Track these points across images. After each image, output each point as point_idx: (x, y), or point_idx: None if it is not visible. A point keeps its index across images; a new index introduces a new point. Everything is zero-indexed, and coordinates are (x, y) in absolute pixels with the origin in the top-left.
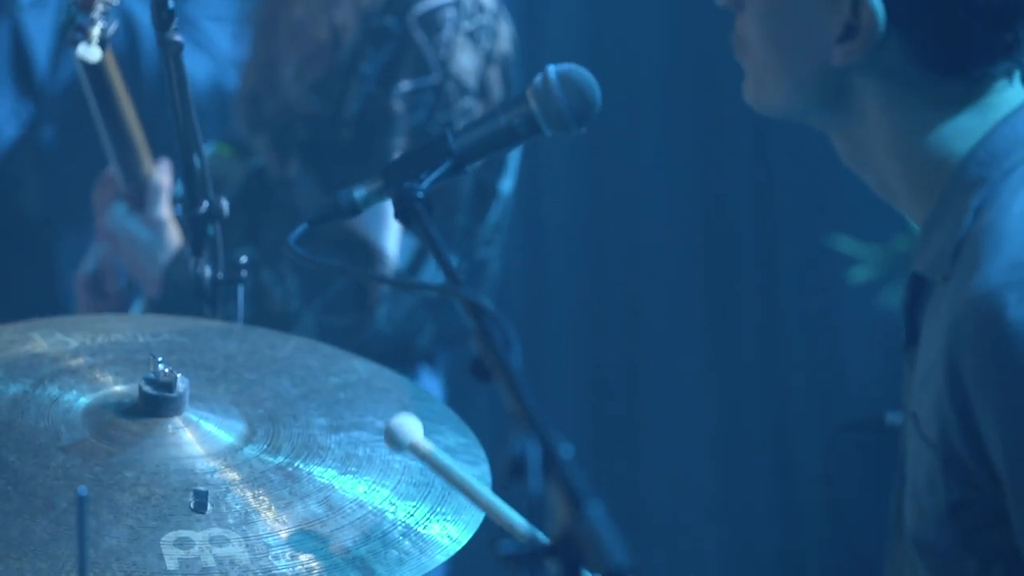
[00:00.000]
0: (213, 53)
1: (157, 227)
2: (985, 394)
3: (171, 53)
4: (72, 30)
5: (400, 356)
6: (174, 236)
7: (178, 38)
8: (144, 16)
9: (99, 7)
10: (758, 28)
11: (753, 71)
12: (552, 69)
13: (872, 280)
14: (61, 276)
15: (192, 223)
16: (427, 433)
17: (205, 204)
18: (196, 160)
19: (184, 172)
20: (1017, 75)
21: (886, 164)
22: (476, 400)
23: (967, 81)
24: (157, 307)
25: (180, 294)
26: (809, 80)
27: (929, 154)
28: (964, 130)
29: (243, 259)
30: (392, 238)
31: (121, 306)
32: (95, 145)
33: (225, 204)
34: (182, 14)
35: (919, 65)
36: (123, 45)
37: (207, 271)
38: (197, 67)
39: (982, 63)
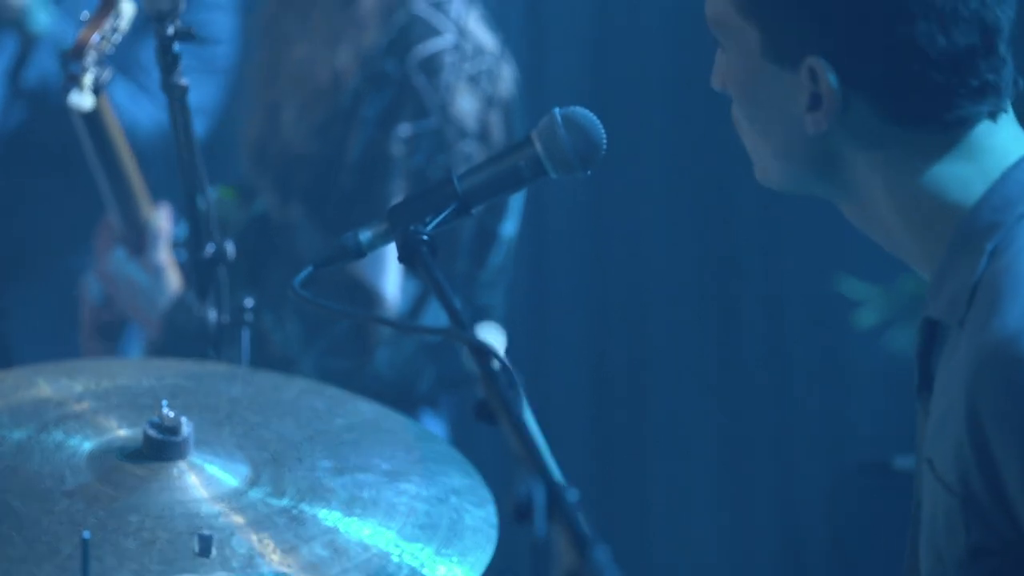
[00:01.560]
0: (161, 101)
1: (156, 272)
2: (1006, 438)
3: (175, 96)
4: (65, 78)
5: (401, 400)
6: (173, 281)
7: (183, 82)
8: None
9: (91, 55)
10: (740, 110)
11: (751, 152)
12: (557, 112)
13: (878, 323)
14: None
15: (197, 266)
16: (432, 474)
17: (211, 247)
18: (201, 202)
19: (189, 214)
20: (1008, 117)
21: (891, 221)
22: (481, 442)
23: (942, 128)
24: (158, 351)
25: (180, 338)
26: (796, 153)
27: (929, 205)
28: (959, 177)
29: (248, 302)
30: (391, 282)
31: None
32: (39, 195)
33: (231, 247)
34: (135, 59)
35: (889, 121)
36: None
37: (212, 314)
38: (144, 113)
39: (950, 109)
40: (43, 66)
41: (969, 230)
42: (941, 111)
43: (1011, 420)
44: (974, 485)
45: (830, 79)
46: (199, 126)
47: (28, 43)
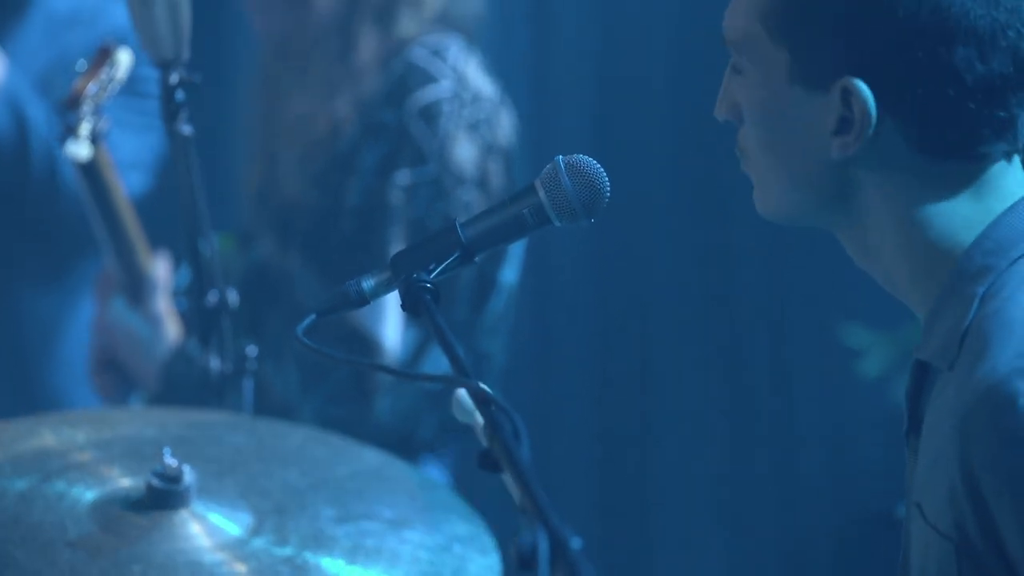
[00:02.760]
0: (112, 155)
1: (154, 322)
2: (999, 483)
3: (178, 143)
4: (61, 128)
5: (403, 447)
6: (171, 332)
7: (187, 130)
8: (33, 109)
9: (86, 105)
10: (756, 135)
11: (758, 180)
12: (560, 160)
13: (882, 372)
14: None
15: (200, 314)
16: (436, 522)
17: (213, 295)
18: (204, 249)
19: (192, 261)
20: (1016, 161)
21: (891, 258)
22: (484, 489)
23: (965, 162)
24: (157, 402)
25: (179, 389)
26: (811, 179)
27: (932, 244)
28: (964, 218)
29: (250, 351)
30: (390, 330)
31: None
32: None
33: (233, 295)
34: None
35: (916, 149)
36: (12, 135)
37: (215, 363)
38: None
39: (978, 142)
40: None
41: (962, 273)
42: (968, 142)
43: (1003, 465)
44: (969, 531)
45: (865, 101)
46: (131, 181)
47: None
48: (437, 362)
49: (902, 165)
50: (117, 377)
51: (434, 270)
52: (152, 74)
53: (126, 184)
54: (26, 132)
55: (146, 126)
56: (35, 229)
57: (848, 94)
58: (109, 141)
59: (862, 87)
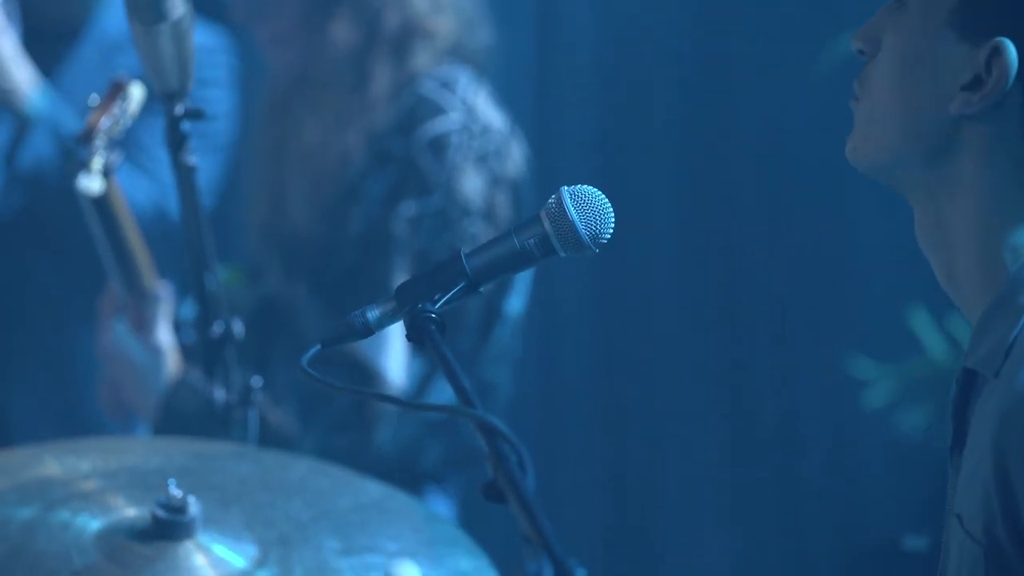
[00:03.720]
0: (159, 178)
1: (155, 352)
2: None
3: (184, 175)
4: (73, 162)
5: (406, 477)
6: (172, 363)
7: (192, 161)
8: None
9: (99, 139)
10: (889, 68)
11: (866, 118)
12: (565, 190)
13: (888, 403)
14: None
15: (205, 345)
16: (440, 556)
17: (219, 326)
18: (209, 281)
19: (197, 293)
20: None
21: (960, 245)
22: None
23: None
24: (158, 432)
25: (182, 421)
26: (921, 127)
27: (1002, 242)
28: None
29: (255, 382)
30: (393, 361)
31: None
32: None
33: (239, 327)
34: (131, 138)
35: None
36: (57, 164)
37: (220, 394)
38: (141, 192)
39: None
40: (39, 149)
41: (1018, 282)
42: None
43: None
44: (998, 535)
45: (1008, 65)
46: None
47: (23, 126)
48: (442, 392)
49: (1009, 148)
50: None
51: (439, 300)
52: (207, 95)
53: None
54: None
55: (203, 149)
56: (80, 261)
57: (996, 54)
58: (157, 163)
59: (1012, 51)
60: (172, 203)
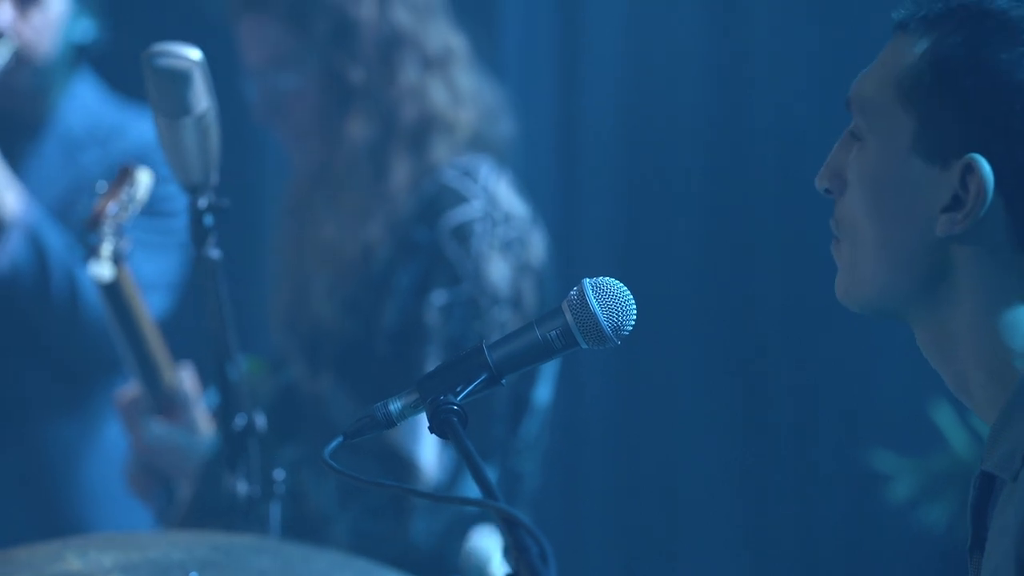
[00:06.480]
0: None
1: (194, 430)
2: None
3: (207, 268)
4: (83, 249)
5: (434, 569)
6: (210, 435)
7: (216, 254)
8: (52, 237)
9: (108, 225)
10: (863, 203)
11: (849, 258)
12: (587, 283)
13: (911, 498)
14: None
15: (227, 438)
16: None
17: (241, 418)
18: (232, 372)
19: (219, 385)
20: None
21: (965, 356)
22: None
23: None
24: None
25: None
26: (908, 256)
27: (1009, 349)
28: None
29: (278, 474)
30: (428, 450)
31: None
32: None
33: (261, 419)
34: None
35: (1019, 245)
36: (32, 265)
37: (242, 486)
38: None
39: None
40: (14, 251)
41: None
42: None
43: None
44: None
45: (985, 180)
46: (153, 302)
47: None
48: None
49: (1001, 259)
50: (155, 479)
51: (461, 392)
52: (173, 192)
53: (149, 305)
54: (45, 259)
55: (166, 245)
56: (56, 356)
57: (969, 171)
58: (130, 263)
59: (985, 166)
60: (150, 300)
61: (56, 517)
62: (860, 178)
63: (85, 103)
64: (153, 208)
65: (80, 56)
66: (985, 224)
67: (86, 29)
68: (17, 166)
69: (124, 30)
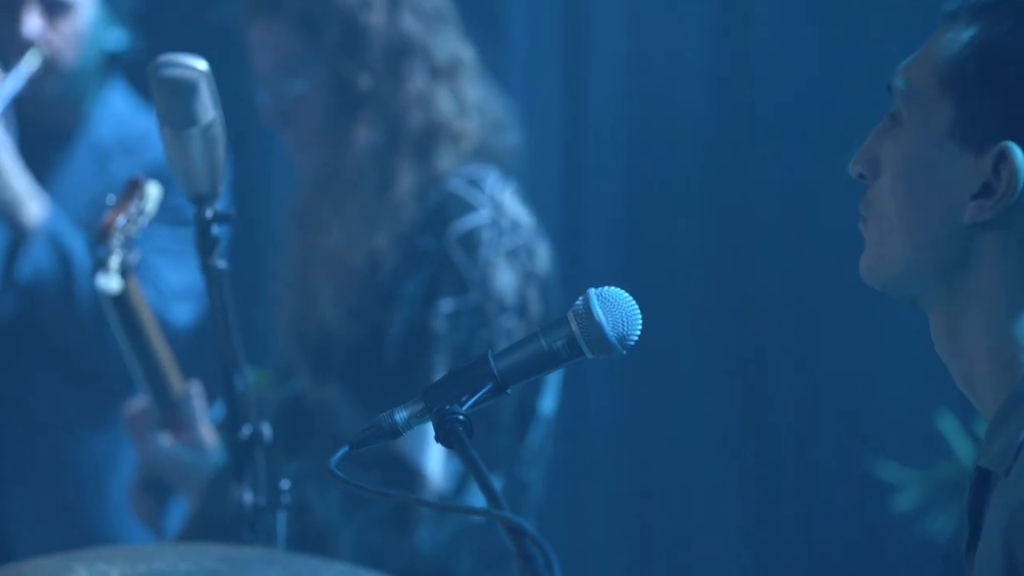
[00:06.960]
0: (158, 286)
1: (198, 446)
2: None
3: (214, 279)
4: (92, 261)
5: None
6: (216, 450)
7: (222, 264)
8: (77, 246)
9: (116, 238)
10: (894, 187)
11: (876, 238)
12: (592, 292)
13: (917, 507)
14: None
15: (234, 448)
16: None
17: (247, 429)
18: (238, 383)
19: (226, 395)
20: None
21: (976, 349)
22: None
23: None
24: (205, 517)
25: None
26: (935, 240)
27: (1019, 345)
28: None
29: (284, 484)
30: (434, 459)
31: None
32: (37, 388)
33: (267, 430)
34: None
35: None
36: (57, 274)
37: (248, 497)
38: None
39: None
40: (38, 259)
41: None
42: None
43: None
44: None
45: (1017, 168)
46: (176, 312)
47: (20, 235)
48: (480, 493)
49: None
50: (156, 498)
51: (466, 402)
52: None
53: (175, 315)
54: (70, 268)
55: (193, 254)
56: (82, 368)
57: (1002, 159)
58: (156, 272)
59: (1019, 154)
60: (171, 309)
61: (85, 533)
62: (893, 161)
63: (116, 112)
64: (179, 217)
65: (112, 65)
66: (1013, 214)
67: (118, 38)
68: (48, 175)
69: (156, 38)
